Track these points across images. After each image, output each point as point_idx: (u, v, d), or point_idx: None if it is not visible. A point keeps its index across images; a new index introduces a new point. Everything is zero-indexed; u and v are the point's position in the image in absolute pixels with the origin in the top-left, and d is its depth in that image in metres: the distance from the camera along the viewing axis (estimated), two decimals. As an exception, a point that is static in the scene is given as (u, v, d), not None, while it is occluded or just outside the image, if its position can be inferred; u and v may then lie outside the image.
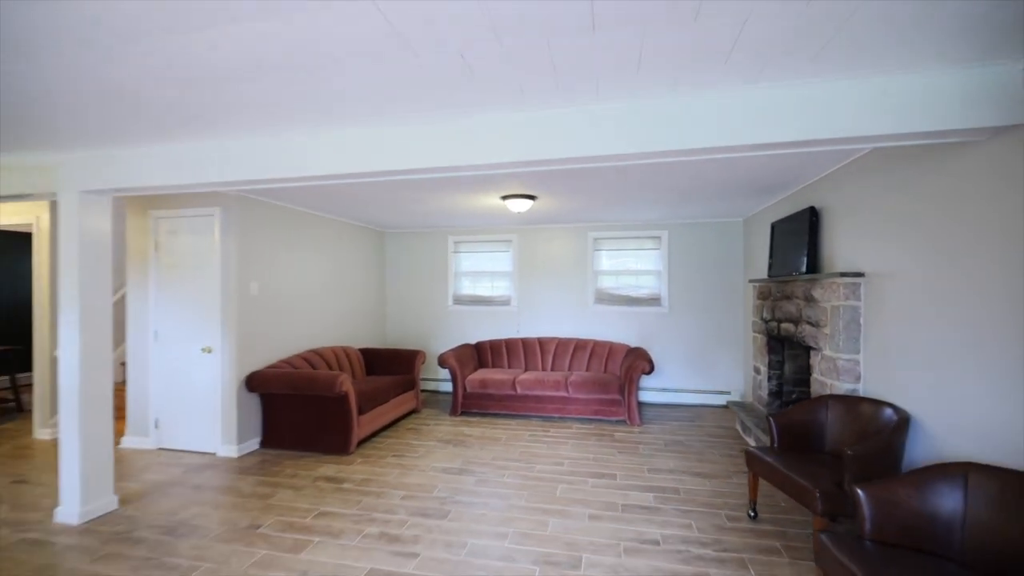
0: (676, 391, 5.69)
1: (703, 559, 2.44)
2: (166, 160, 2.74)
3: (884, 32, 1.58)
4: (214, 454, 3.97)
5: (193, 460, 3.85)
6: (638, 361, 4.75)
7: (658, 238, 5.78)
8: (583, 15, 1.48)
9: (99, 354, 2.97)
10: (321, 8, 1.43)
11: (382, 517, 2.90)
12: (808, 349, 3.67)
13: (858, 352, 2.90)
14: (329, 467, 3.70)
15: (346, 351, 5.08)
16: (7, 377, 5.90)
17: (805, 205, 3.72)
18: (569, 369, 5.57)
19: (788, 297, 3.76)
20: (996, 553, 1.68)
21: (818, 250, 3.48)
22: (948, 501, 1.80)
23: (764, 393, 4.34)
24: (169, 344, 4.11)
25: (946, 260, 2.20)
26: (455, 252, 6.41)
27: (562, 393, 4.95)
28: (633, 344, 5.81)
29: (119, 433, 4.31)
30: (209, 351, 4.00)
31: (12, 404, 5.40)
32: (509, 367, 5.75)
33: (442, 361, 5.10)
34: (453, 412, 5.18)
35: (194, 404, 4.05)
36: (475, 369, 5.56)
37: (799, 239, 3.58)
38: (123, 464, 3.76)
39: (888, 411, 2.50)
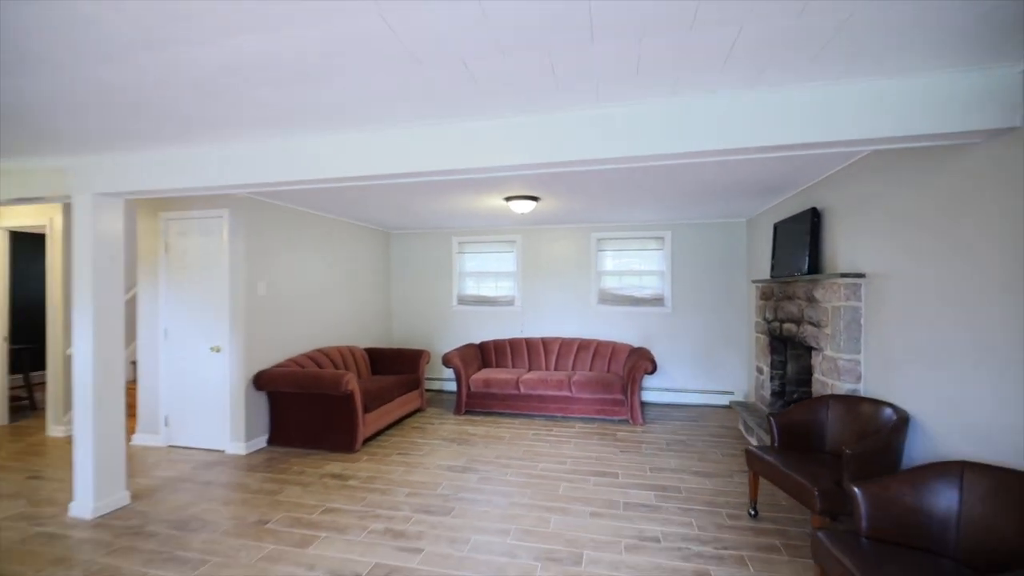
0: (679, 391, 5.71)
1: (703, 556, 2.47)
2: (178, 164, 2.81)
3: (883, 34, 1.59)
4: (223, 451, 4.04)
5: (202, 457, 3.92)
6: (641, 361, 4.77)
7: (661, 239, 5.80)
8: (582, 20, 1.51)
9: (112, 353, 3.04)
10: (329, 20, 1.48)
11: (387, 513, 2.95)
12: (810, 349, 3.69)
13: (859, 352, 2.92)
14: (335, 464, 3.76)
15: (352, 351, 5.14)
16: (21, 375, 6.02)
17: (807, 206, 3.73)
18: (572, 369, 5.60)
19: (790, 297, 3.77)
20: (990, 550, 1.70)
21: (820, 251, 3.49)
22: (943, 499, 1.83)
23: (767, 393, 4.35)
24: (179, 343, 4.19)
25: (946, 261, 2.22)
26: (460, 252, 6.45)
27: (565, 393, 4.98)
28: (636, 344, 5.83)
29: (130, 431, 4.39)
30: (218, 350, 4.07)
31: (26, 402, 5.51)
32: (513, 367, 5.79)
33: (446, 361, 5.15)
34: (457, 411, 5.23)
35: (203, 402, 4.12)
36: (479, 369, 5.60)
37: (801, 240, 3.59)
38: (134, 461, 3.84)
39: (888, 411, 2.52)
